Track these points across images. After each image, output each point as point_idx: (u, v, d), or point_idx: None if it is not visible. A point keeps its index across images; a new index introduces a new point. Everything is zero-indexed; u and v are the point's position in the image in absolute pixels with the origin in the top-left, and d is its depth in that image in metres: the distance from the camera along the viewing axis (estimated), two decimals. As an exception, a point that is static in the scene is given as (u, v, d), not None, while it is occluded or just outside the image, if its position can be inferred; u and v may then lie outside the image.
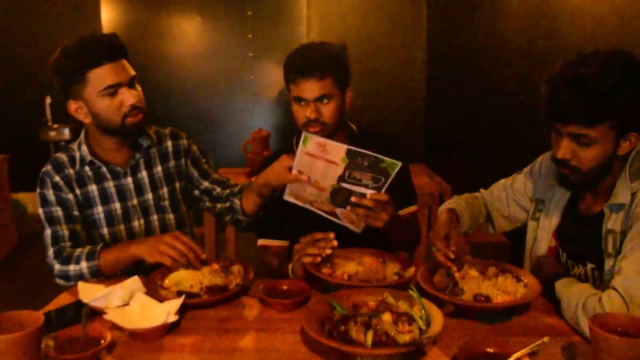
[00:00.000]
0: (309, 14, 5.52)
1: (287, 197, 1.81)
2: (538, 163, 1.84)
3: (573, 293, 1.44)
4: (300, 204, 1.81)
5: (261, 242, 2.13)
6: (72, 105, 1.85)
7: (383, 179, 1.61)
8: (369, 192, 1.64)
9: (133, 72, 1.84)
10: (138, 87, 1.87)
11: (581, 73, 1.40)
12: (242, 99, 5.70)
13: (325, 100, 1.89)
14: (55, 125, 5.29)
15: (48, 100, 5.25)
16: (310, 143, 1.61)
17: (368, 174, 1.61)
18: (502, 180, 1.96)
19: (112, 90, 1.79)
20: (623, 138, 1.46)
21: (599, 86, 1.38)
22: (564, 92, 1.42)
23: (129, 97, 1.80)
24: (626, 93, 1.39)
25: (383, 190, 1.64)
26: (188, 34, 5.69)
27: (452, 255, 1.61)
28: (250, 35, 5.58)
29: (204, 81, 5.67)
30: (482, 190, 2.01)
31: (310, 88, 1.87)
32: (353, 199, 1.66)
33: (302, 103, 1.90)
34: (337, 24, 5.50)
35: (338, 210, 1.75)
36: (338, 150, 1.59)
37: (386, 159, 1.57)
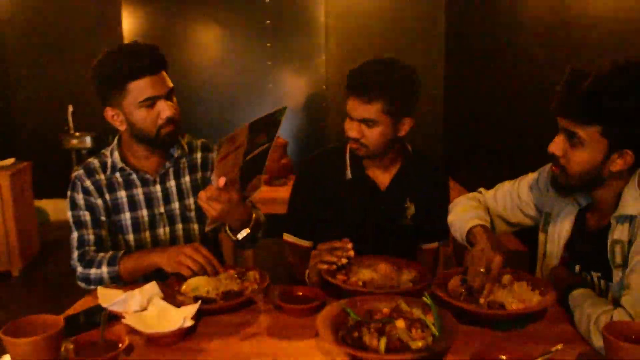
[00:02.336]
0: (327, 23, 5.55)
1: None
2: (543, 175, 1.79)
3: (586, 308, 1.43)
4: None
5: (287, 237, 2.13)
6: (109, 112, 1.88)
7: (274, 130, 1.62)
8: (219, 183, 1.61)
9: (171, 85, 1.86)
10: (174, 99, 1.89)
11: (591, 71, 1.40)
12: (261, 108, 5.74)
13: (370, 124, 1.86)
14: (77, 134, 5.39)
15: (70, 108, 5.35)
16: (222, 148, 1.53)
17: (264, 134, 1.60)
18: (507, 185, 1.90)
19: (150, 103, 1.82)
20: (617, 152, 1.43)
21: (597, 86, 1.37)
22: (568, 81, 1.43)
23: (165, 109, 1.83)
24: (624, 103, 1.36)
25: (274, 139, 1.66)
26: (207, 44, 5.75)
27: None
28: (269, 45, 5.63)
29: (223, 90, 5.73)
30: (482, 190, 1.96)
31: (356, 108, 1.85)
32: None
33: (350, 119, 1.89)
34: (355, 33, 5.52)
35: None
36: (244, 133, 1.55)
37: (276, 110, 1.58)
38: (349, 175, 2.03)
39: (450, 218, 1.86)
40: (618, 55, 1.47)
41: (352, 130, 1.88)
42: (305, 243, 2.10)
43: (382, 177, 2.03)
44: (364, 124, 1.86)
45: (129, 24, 5.63)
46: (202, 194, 1.65)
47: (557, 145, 1.50)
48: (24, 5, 5.75)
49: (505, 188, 1.89)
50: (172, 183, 2.01)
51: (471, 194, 1.96)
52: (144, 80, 1.79)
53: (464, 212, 1.80)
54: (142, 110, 1.82)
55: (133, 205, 1.97)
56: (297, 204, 2.12)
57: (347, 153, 2.04)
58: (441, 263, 3.47)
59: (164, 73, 1.85)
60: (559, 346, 1.28)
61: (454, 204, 1.90)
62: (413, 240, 2.11)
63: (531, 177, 1.84)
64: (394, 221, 2.03)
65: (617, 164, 1.44)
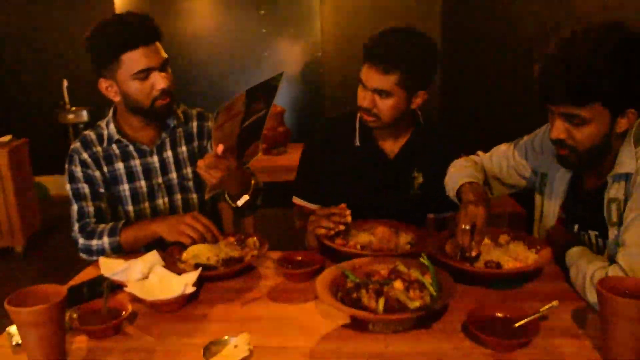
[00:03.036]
0: (321, -12, 5.48)
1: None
2: (539, 136, 1.79)
3: (582, 265, 1.45)
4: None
5: (296, 200, 2.14)
6: (103, 84, 1.88)
7: (271, 96, 1.62)
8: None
9: (165, 55, 1.85)
10: (169, 70, 1.88)
11: (570, 52, 1.38)
12: (256, 76, 5.67)
13: (383, 95, 1.83)
14: (73, 108, 5.35)
15: (65, 83, 5.30)
16: (220, 116, 1.53)
17: (261, 101, 1.60)
18: (503, 147, 1.90)
19: (144, 75, 1.81)
20: (620, 115, 1.42)
21: (586, 66, 1.35)
22: (553, 72, 1.40)
23: (160, 81, 1.82)
24: (616, 73, 1.35)
25: (271, 105, 1.66)
26: (201, 12, 5.68)
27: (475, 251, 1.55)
28: (262, 12, 5.56)
29: (218, 59, 5.67)
30: (480, 153, 1.97)
31: (371, 77, 1.81)
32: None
33: (363, 87, 1.86)
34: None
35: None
36: (241, 100, 1.55)
37: (275, 76, 1.57)
38: (357, 142, 2.02)
39: (446, 179, 1.87)
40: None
41: (364, 99, 1.85)
42: (314, 207, 2.08)
43: (392, 146, 2.02)
44: (377, 94, 1.83)
45: (121, -6, 5.55)
46: (201, 162, 1.66)
47: (559, 131, 1.48)
48: (14, -21, 5.67)
49: (501, 150, 1.90)
50: (169, 153, 2.02)
51: (468, 157, 1.96)
52: (138, 51, 1.78)
53: (457, 172, 1.81)
54: (136, 82, 1.81)
55: (131, 176, 1.98)
56: (306, 168, 2.12)
57: (358, 120, 2.02)
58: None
59: (157, 44, 1.83)
60: (554, 303, 1.30)
61: (451, 166, 1.90)
62: (422, 210, 2.10)
63: (526, 138, 1.84)
64: (401, 190, 2.03)
65: (622, 125, 1.44)
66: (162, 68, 1.84)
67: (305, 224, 1.93)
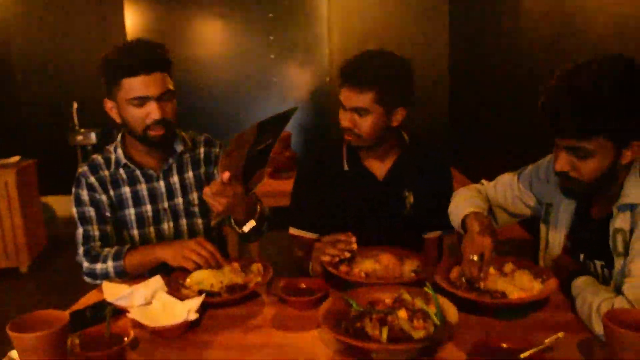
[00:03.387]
0: (330, 15, 5.54)
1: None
2: (544, 166, 1.79)
3: (588, 295, 1.43)
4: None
5: (292, 231, 2.14)
6: (108, 104, 1.90)
7: (280, 128, 1.64)
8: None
9: (168, 87, 1.84)
10: (172, 101, 1.88)
11: (574, 85, 1.39)
12: (264, 101, 5.74)
13: (362, 113, 1.87)
14: (82, 130, 5.40)
15: (75, 105, 5.36)
16: (230, 145, 1.59)
17: (270, 133, 1.62)
18: (507, 176, 1.90)
19: (138, 102, 1.82)
20: (624, 147, 1.42)
21: (590, 99, 1.36)
22: (557, 105, 1.42)
23: (154, 111, 1.82)
24: (620, 105, 1.35)
25: (279, 135, 1.67)
26: (210, 38, 5.75)
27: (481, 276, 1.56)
28: (271, 37, 5.62)
29: (226, 84, 5.73)
30: (484, 182, 1.97)
31: (349, 97, 1.87)
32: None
33: (343, 109, 1.91)
34: (358, 24, 5.50)
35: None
36: (252, 132, 1.58)
37: (289, 110, 1.60)
38: (345, 166, 2.05)
39: (450, 208, 1.87)
40: (623, 41, 1.45)
41: (344, 120, 1.91)
42: (311, 235, 2.10)
43: (379, 168, 2.04)
44: (356, 113, 1.88)
45: (132, 20, 5.63)
46: (207, 190, 1.69)
47: (563, 163, 1.49)
48: (28, 4, 5.75)
49: (505, 179, 1.90)
50: (175, 179, 2.02)
51: (472, 185, 1.96)
52: (137, 78, 1.79)
53: (461, 202, 1.81)
54: (131, 108, 1.83)
55: (137, 200, 1.98)
56: (299, 197, 2.14)
57: (345, 145, 2.05)
58: (447, 252, 3.48)
59: (160, 74, 1.83)
60: (560, 334, 1.28)
61: (455, 195, 1.90)
62: (415, 230, 2.11)
63: (531, 168, 1.84)
64: (393, 211, 2.04)
65: (627, 156, 1.44)
66: (160, 98, 1.83)
67: (307, 254, 1.94)
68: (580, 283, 1.50)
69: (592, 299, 1.41)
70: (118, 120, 1.91)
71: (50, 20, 5.76)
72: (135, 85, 1.80)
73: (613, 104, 1.35)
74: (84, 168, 1.98)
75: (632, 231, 1.46)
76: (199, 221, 2.06)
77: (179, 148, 2.01)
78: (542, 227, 1.80)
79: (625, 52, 1.43)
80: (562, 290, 1.57)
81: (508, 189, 1.87)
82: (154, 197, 2.00)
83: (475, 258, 1.54)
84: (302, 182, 2.13)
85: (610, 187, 1.51)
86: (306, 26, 5.62)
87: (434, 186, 2.06)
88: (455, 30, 5.35)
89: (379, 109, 1.87)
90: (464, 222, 1.70)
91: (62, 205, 5.75)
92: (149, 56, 1.82)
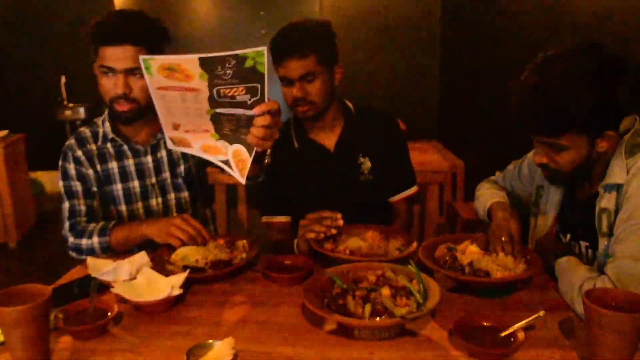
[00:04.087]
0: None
1: (171, 146, 1.56)
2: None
3: (571, 275, 1.45)
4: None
5: (265, 218, 2.18)
6: (96, 69, 1.86)
7: (259, 84, 1.31)
8: (255, 111, 1.34)
9: (138, 64, 1.72)
10: (142, 80, 1.75)
11: (541, 84, 1.40)
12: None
13: (310, 78, 1.91)
14: (71, 105, 5.36)
15: (63, 79, 5.31)
16: (154, 69, 1.33)
17: (239, 85, 1.31)
18: (510, 167, 1.97)
19: (106, 70, 1.80)
20: (599, 138, 1.44)
21: (558, 98, 1.38)
22: (525, 105, 1.44)
23: (117, 85, 1.79)
24: (589, 100, 1.37)
25: (266, 97, 1.33)
26: (200, 13, 5.68)
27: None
28: (262, 12, 5.56)
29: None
30: (497, 173, 2.04)
31: (293, 67, 1.89)
32: (253, 131, 1.36)
33: (288, 83, 1.93)
34: (350, 1, 5.45)
35: (231, 150, 1.44)
36: (190, 65, 1.30)
37: (247, 51, 1.28)
38: (296, 144, 2.09)
39: (475, 204, 1.95)
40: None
41: (294, 91, 1.92)
42: (283, 219, 2.14)
43: (328, 139, 2.08)
44: (305, 80, 1.91)
45: (121, -7, 5.55)
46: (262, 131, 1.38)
47: (540, 156, 1.53)
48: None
49: (510, 168, 1.98)
50: (163, 153, 2.01)
51: (489, 178, 2.04)
52: (109, 48, 1.77)
53: (483, 195, 1.90)
54: (101, 76, 1.82)
55: (124, 176, 1.97)
56: (263, 185, 2.06)
57: (291, 124, 2.11)
58: (432, 231, 3.50)
59: (133, 47, 1.76)
60: (541, 313, 1.29)
61: (477, 189, 1.99)
62: (379, 195, 2.15)
63: (530, 154, 1.86)
64: (351, 179, 2.08)
65: (603, 146, 1.46)
66: (128, 73, 1.79)
67: (285, 236, 1.96)
68: (563, 263, 1.52)
69: (574, 279, 1.42)
70: None
71: (38, -8, 5.68)
72: (106, 54, 1.78)
73: (582, 100, 1.37)
74: (70, 141, 1.96)
75: (617, 211, 1.47)
76: (186, 194, 2.05)
77: None
78: (533, 209, 1.83)
79: (616, 41, 1.43)
80: (546, 271, 1.58)
81: (515, 177, 1.94)
82: (141, 172, 1.98)
83: (507, 238, 1.61)
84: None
85: (594, 169, 1.53)
86: (297, 1, 5.56)
87: (388, 148, 2.12)
88: (448, 9, 5.31)
89: (324, 69, 1.93)
90: (489, 212, 1.78)
91: (50, 180, 5.72)
92: (124, 27, 1.77)
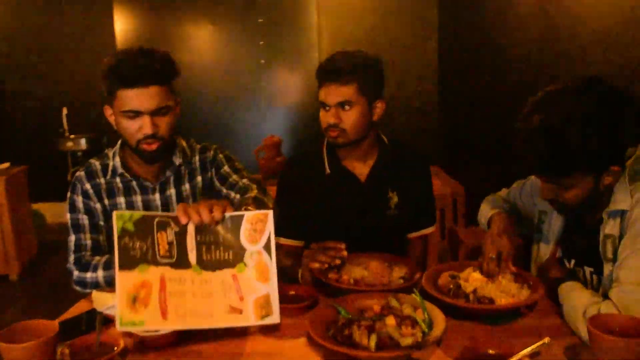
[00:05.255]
0: (320, 21, 5.56)
1: None
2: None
3: (575, 300, 1.45)
4: None
5: (277, 240, 2.12)
6: (107, 111, 1.86)
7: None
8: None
9: (163, 103, 1.77)
10: (169, 116, 1.81)
11: (543, 125, 1.40)
12: (254, 106, 5.75)
13: (346, 107, 1.91)
14: (72, 136, 5.38)
15: (65, 111, 5.34)
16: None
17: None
18: (515, 185, 1.97)
19: (132, 115, 1.76)
20: (605, 172, 1.45)
21: (562, 140, 1.37)
22: (529, 146, 1.44)
23: (145, 126, 1.77)
24: (594, 140, 1.36)
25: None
26: (200, 43, 5.75)
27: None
28: (261, 43, 5.63)
29: (216, 89, 5.73)
30: (504, 190, 2.04)
31: (332, 92, 1.90)
32: None
33: (326, 108, 1.94)
34: (348, 30, 5.52)
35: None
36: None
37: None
38: (327, 170, 2.05)
39: (478, 216, 1.97)
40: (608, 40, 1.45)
41: (328, 116, 1.93)
42: (297, 243, 2.10)
43: (361, 169, 2.06)
44: (341, 107, 1.91)
45: (121, 25, 5.60)
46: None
47: (547, 193, 1.54)
48: (16, 9, 5.74)
49: (514, 186, 1.98)
50: (172, 191, 1.98)
51: (494, 193, 2.05)
52: (132, 91, 1.73)
53: (486, 207, 1.93)
54: (125, 120, 1.78)
55: None
56: (282, 206, 2.10)
57: (324, 148, 2.08)
58: (436, 256, 3.50)
59: (157, 87, 1.76)
60: (546, 340, 1.30)
61: (482, 203, 2.00)
62: (400, 230, 2.14)
63: (533, 178, 1.88)
64: (378, 212, 2.05)
65: (607, 180, 1.46)
66: (154, 113, 1.77)
67: (294, 261, 1.94)
68: (567, 288, 1.52)
69: (578, 304, 1.42)
70: (115, 128, 1.87)
71: (40, 24, 5.74)
72: (129, 97, 1.74)
73: (586, 142, 1.36)
74: (80, 173, 1.95)
75: (621, 237, 1.47)
76: None
77: (177, 161, 1.96)
78: (535, 235, 1.83)
79: (610, 53, 1.44)
80: (549, 296, 1.58)
81: (517, 198, 1.95)
82: (148, 210, 1.96)
83: (494, 256, 1.63)
84: (285, 190, 2.13)
85: (598, 200, 1.53)
86: (296, 32, 5.63)
87: (416, 185, 2.11)
88: (444, 36, 5.38)
89: (363, 99, 1.92)
90: (489, 223, 1.81)
91: (52, 211, 5.73)
92: (145, 68, 1.74)
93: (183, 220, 1.46)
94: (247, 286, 1.45)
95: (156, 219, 1.42)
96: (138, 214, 1.38)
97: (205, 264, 1.45)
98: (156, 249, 1.39)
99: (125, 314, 1.21)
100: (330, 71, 1.90)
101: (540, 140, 1.40)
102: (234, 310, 1.39)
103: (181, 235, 1.44)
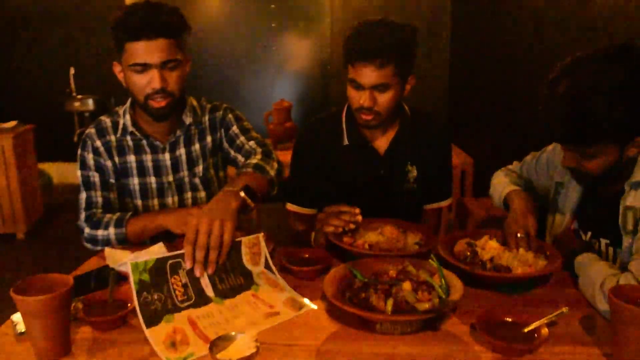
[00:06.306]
0: (332, -16, 5.47)
1: None
2: (552, 150, 1.82)
3: (592, 272, 1.44)
4: None
5: (290, 207, 2.10)
6: (116, 67, 1.84)
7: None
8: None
9: (172, 56, 1.75)
10: (178, 71, 1.79)
11: (570, 92, 1.36)
12: (265, 70, 5.69)
13: (382, 89, 1.80)
14: (79, 96, 5.34)
15: (72, 71, 5.29)
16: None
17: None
18: (528, 158, 1.94)
19: (140, 68, 1.75)
20: (630, 143, 1.41)
21: (588, 108, 1.33)
22: (554, 113, 1.40)
23: (154, 80, 1.75)
24: (620, 109, 1.32)
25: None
26: (211, 6, 5.67)
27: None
28: (273, 6, 5.55)
29: (226, 51, 5.66)
30: (515, 163, 2.01)
31: (368, 74, 1.77)
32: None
33: (357, 87, 1.82)
34: (361, -5, 5.44)
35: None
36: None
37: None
38: (346, 141, 1.99)
39: (490, 191, 1.95)
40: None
41: (363, 99, 1.81)
42: (309, 211, 2.08)
43: (380, 141, 2.00)
44: (376, 90, 1.81)
45: (131, -15, 5.53)
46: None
47: (569, 161, 1.50)
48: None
49: (528, 159, 1.95)
50: (182, 151, 1.98)
51: (505, 167, 2.02)
52: (140, 43, 1.71)
53: (500, 183, 1.90)
54: (133, 75, 1.76)
55: (141, 171, 1.95)
56: (297, 173, 2.08)
57: (344, 118, 2.00)
58: (445, 228, 3.49)
59: (165, 40, 1.74)
60: (564, 309, 1.28)
61: (493, 178, 1.97)
62: (417, 203, 2.11)
63: (550, 148, 1.85)
64: (396, 185, 2.01)
65: (632, 150, 1.43)
66: (163, 66, 1.75)
67: (306, 226, 1.91)
68: (583, 260, 1.51)
69: (595, 276, 1.41)
70: (124, 84, 1.85)
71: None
72: (137, 50, 1.72)
73: (613, 112, 1.32)
74: (90, 130, 1.94)
75: None
76: (203, 194, 2.03)
77: (187, 119, 1.95)
78: (551, 204, 1.81)
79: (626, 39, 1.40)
80: (565, 267, 1.57)
81: (531, 170, 1.91)
82: (158, 169, 1.96)
83: (523, 235, 1.62)
84: (301, 157, 2.08)
85: (619, 170, 1.50)
86: (308, -6, 5.55)
87: (435, 159, 2.05)
88: (458, 7, 5.29)
89: (398, 81, 1.81)
90: (505, 200, 1.79)
91: (58, 172, 5.73)
92: (153, 20, 1.72)
93: (188, 265, 1.44)
94: (269, 298, 1.47)
95: (169, 262, 1.41)
96: (151, 260, 1.37)
97: (224, 293, 1.45)
98: (173, 295, 1.38)
99: (172, 357, 1.21)
100: (368, 51, 1.74)
101: (566, 107, 1.37)
102: (271, 315, 1.39)
103: (193, 273, 1.44)
